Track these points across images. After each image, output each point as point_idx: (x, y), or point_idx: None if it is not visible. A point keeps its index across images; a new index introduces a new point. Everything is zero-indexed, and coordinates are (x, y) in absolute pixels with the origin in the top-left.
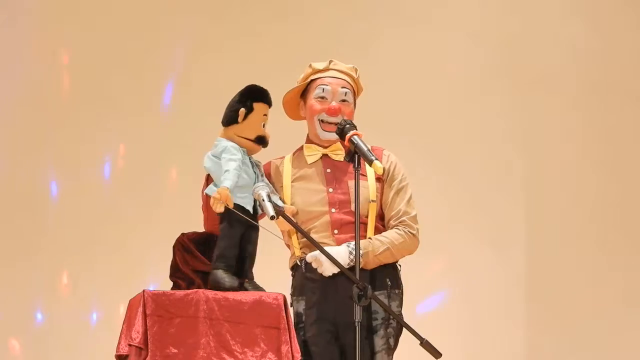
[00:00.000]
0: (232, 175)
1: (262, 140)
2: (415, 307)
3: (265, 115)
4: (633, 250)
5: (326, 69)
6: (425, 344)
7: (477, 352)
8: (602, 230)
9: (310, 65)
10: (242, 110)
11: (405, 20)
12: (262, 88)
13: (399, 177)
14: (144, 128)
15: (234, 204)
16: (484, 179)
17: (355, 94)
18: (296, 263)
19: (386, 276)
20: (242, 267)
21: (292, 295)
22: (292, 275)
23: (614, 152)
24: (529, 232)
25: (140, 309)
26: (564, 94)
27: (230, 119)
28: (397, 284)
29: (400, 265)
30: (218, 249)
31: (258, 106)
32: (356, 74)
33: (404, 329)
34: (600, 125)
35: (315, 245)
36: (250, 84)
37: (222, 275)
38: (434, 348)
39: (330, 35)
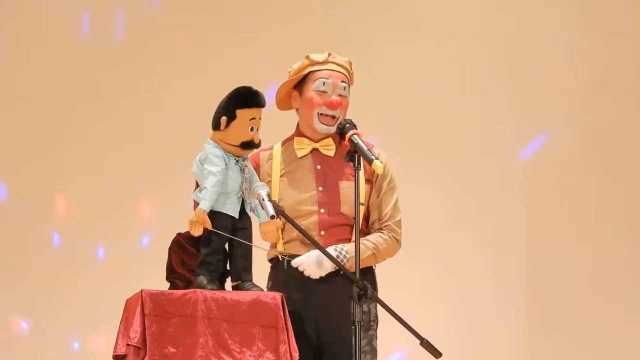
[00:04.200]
0: (209, 195)
1: (248, 145)
2: (415, 307)
3: (253, 119)
4: (634, 250)
5: (325, 62)
6: (426, 344)
7: (477, 352)
8: (603, 230)
9: (307, 57)
10: (224, 119)
11: (405, 20)
12: (249, 92)
13: (388, 177)
14: (142, 127)
15: (217, 211)
16: (484, 179)
17: (349, 87)
18: (277, 257)
19: (364, 278)
20: (234, 269)
21: (271, 289)
22: (271, 267)
23: (615, 151)
24: (529, 233)
25: (139, 309)
26: (564, 93)
27: (214, 125)
28: (373, 286)
29: (374, 266)
30: (201, 256)
31: (242, 112)
32: (351, 67)
33: (397, 329)
34: (601, 125)
35: (316, 245)
36: (240, 86)
37: (201, 280)
38: (434, 348)
39: (330, 35)
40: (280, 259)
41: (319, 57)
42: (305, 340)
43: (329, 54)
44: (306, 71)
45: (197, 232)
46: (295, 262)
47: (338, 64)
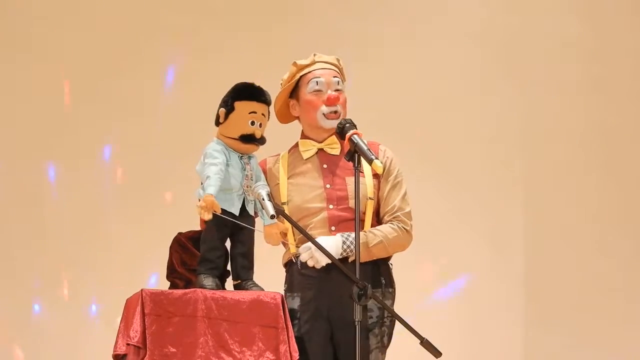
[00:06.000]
0: (213, 180)
1: (248, 139)
2: (414, 307)
3: (253, 112)
4: (633, 249)
5: (312, 63)
6: (425, 343)
7: (476, 351)
8: (601, 229)
9: (294, 64)
10: (222, 111)
11: (405, 20)
12: (249, 86)
13: (395, 172)
14: (143, 128)
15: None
16: (483, 179)
17: (343, 83)
18: (291, 259)
19: (380, 274)
20: (234, 268)
21: (287, 291)
22: (286, 271)
23: (613, 151)
24: (527, 232)
25: (139, 308)
26: (564, 93)
27: (215, 120)
28: (390, 283)
29: (392, 264)
30: (201, 252)
31: (240, 105)
32: (340, 63)
33: (397, 328)
34: (600, 125)
35: (314, 244)
36: (239, 82)
37: (201, 279)
38: (434, 347)
39: (330, 35)
40: (294, 260)
41: (306, 61)
42: (320, 338)
43: (314, 54)
44: (297, 77)
45: (207, 216)
46: (302, 257)
47: (326, 62)
